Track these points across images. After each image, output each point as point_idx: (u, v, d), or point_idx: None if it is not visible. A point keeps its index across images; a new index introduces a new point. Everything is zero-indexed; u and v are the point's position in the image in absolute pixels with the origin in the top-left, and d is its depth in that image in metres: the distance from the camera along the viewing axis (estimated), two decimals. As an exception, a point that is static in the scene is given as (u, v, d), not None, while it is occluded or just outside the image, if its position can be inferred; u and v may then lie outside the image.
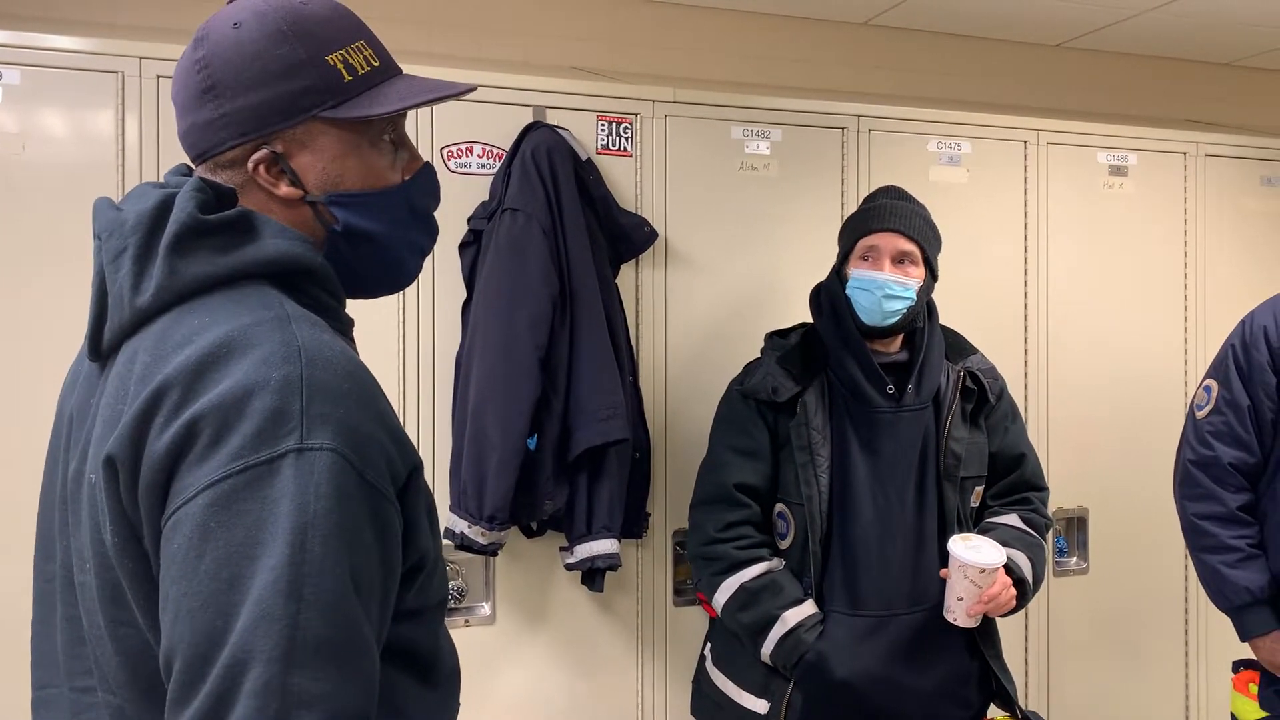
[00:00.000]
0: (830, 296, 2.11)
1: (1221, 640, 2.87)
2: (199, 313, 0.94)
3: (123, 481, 0.90)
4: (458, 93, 1.09)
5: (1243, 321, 2.31)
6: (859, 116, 2.70)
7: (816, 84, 3.26)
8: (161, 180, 1.08)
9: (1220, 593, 2.24)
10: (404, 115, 1.10)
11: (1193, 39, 3.51)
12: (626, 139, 2.47)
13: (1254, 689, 2.28)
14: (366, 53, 1.06)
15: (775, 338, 2.19)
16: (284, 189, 1.03)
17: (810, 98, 2.77)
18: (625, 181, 2.47)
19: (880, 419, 2.04)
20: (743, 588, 2.02)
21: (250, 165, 1.02)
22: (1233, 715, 2.36)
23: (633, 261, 2.46)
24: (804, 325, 2.19)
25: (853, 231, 2.10)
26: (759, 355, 2.18)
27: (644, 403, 2.44)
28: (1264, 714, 2.26)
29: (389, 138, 1.08)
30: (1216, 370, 2.32)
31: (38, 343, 2.05)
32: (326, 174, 1.04)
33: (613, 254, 2.41)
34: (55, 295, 2.05)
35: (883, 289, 2.01)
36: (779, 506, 2.09)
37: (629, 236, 2.41)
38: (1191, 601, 3.04)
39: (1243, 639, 2.25)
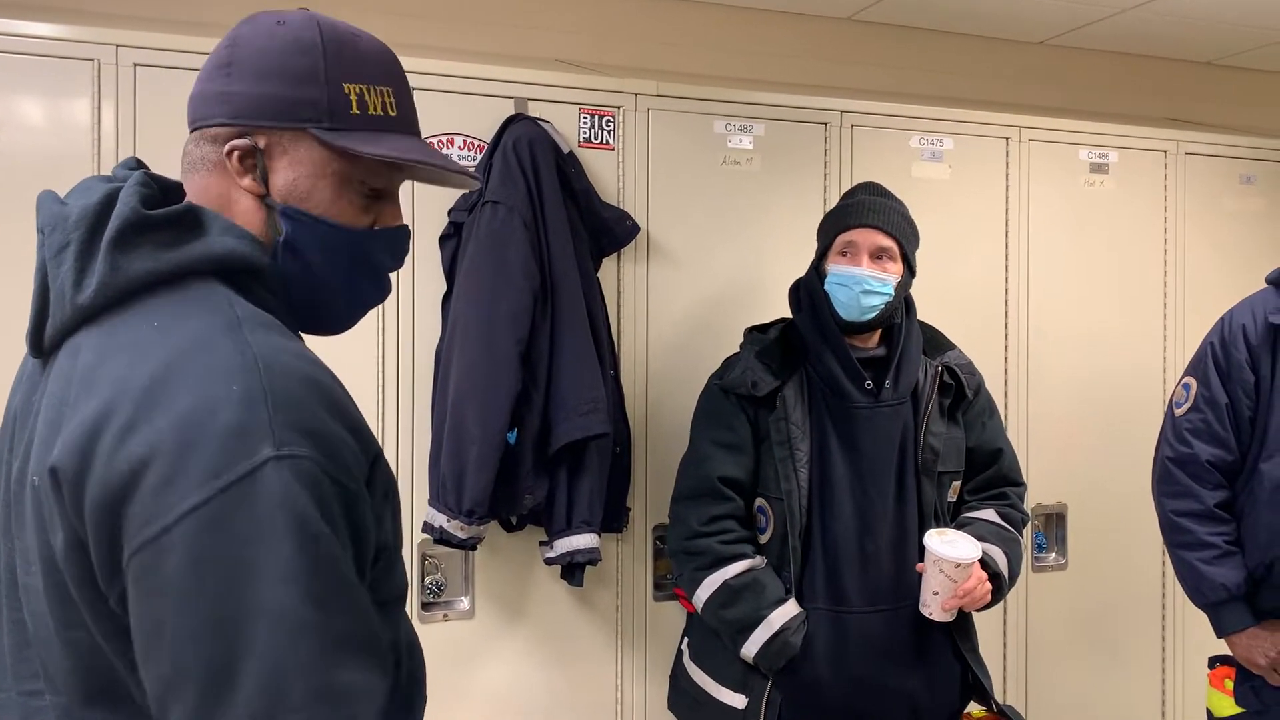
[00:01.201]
0: (809, 292, 2.11)
1: (1198, 636, 2.89)
2: (145, 316, 0.92)
3: (68, 494, 0.88)
4: (456, 170, 1.08)
5: (1222, 319, 2.32)
6: (842, 111, 2.70)
7: (800, 79, 3.25)
8: (110, 174, 1.06)
9: (1197, 589, 2.25)
10: (399, 171, 1.08)
11: (1174, 38, 3.53)
12: (609, 132, 2.46)
13: (1229, 684, 2.29)
14: (388, 99, 1.05)
15: (754, 332, 2.19)
16: (246, 182, 1.02)
17: (793, 92, 2.76)
18: (607, 175, 2.46)
19: (858, 414, 2.04)
20: (725, 585, 2.01)
21: (225, 148, 1.01)
22: (1208, 710, 2.37)
23: (614, 255, 2.45)
24: (783, 320, 2.19)
25: (831, 227, 2.10)
26: (738, 350, 2.18)
27: (625, 397, 2.43)
28: (1239, 709, 2.27)
29: (373, 187, 1.06)
30: (1195, 368, 2.33)
31: (5, 337, 2.02)
32: (295, 186, 1.03)
33: (594, 247, 2.40)
34: (26, 288, 2.01)
35: (860, 284, 2.01)
36: (759, 501, 2.08)
37: (611, 230, 2.40)
38: (1169, 597, 3.06)
39: (1219, 635, 2.27)
